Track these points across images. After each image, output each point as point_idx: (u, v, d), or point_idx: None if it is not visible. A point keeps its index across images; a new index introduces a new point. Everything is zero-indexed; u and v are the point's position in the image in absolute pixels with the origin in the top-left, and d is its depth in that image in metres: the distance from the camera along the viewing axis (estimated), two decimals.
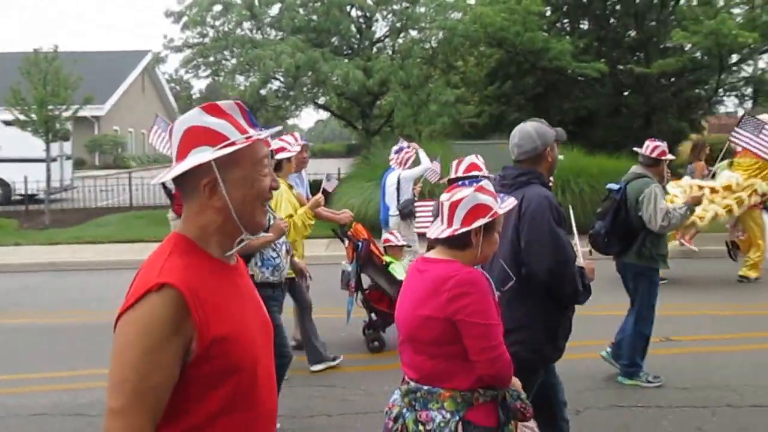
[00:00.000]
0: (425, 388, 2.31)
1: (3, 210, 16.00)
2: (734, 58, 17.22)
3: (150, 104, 40.17)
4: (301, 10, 17.64)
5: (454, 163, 4.56)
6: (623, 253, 5.02)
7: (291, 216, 4.67)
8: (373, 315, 6.05)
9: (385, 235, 6.78)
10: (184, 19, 17.44)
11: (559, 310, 3.04)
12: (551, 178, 3.26)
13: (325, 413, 4.64)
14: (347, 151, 39.00)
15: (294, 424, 4.46)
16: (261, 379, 1.58)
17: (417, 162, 7.82)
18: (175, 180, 1.52)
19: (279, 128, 1.91)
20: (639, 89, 17.92)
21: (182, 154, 1.52)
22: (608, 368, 5.23)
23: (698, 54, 16.85)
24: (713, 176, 8.51)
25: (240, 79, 18.00)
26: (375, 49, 18.48)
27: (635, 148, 5.30)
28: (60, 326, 7.07)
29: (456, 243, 2.35)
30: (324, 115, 21.67)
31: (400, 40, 18.79)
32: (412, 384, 2.35)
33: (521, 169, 3.13)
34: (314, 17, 17.57)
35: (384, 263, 6.04)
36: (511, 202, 2.44)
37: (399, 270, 6.06)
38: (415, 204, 7.39)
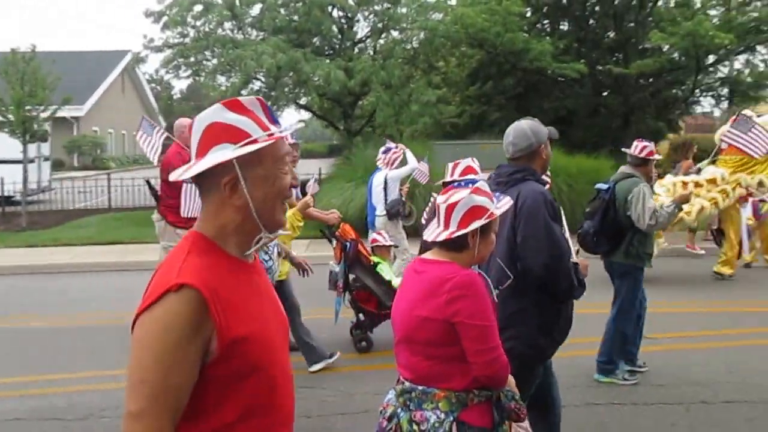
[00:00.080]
0: (420, 388, 2.32)
1: None
2: (711, 59, 17.49)
3: (130, 105, 39.84)
4: (282, 11, 17.62)
5: (450, 166, 4.55)
6: (612, 252, 5.09)
7: None
8: (360, 315, 6.06)
9: (372, 235, 6.77)
10: (164, 18, 17.33)
11: (554, 305, 3.06)
12: (548, 173, 3.29)
13: (305, 414, 4.64)
14: (329, 151, 38.94)
15: None
16: (279, 380, 1.55)
17: (404, 162, 7.84)
18: (193, 177, 1.48)
19: (301, 124, 1.89)
20: (618, 89, 18.11)
21: (202, 152, 1.48)
22: (585, 366, 5.28)
23: (676, 55, 17.06)
24: (698, 173, 8.62)
25: (221, 79, 17.97)
26: (356, 50, 18.51)
27: (623, 149, 5.37)
28: (37, 330, 6.98)
29: (453, 245, 2.36)
30: (305, 115, 21.56)
31: (382, 41, 18.83)
32: (407, 384, 2.36)
33: (516, 166, 3.17)
34: (295, 17, 17.57)
35: (372, 263, 6.06)
36: (506, 202, 2.47)
37: (386, 270, 6.08)
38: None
